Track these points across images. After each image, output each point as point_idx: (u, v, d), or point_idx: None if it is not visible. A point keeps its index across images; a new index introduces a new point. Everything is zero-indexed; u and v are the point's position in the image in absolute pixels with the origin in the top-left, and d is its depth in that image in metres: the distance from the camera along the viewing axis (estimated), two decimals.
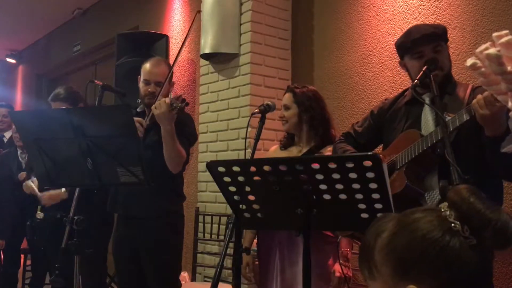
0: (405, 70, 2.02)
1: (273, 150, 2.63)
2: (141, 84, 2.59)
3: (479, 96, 1.57)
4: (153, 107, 2.32)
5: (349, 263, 2.39)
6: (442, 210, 0.77)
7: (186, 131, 2.53)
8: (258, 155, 2.76)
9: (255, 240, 2.59)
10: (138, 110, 2.62)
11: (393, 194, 1.73)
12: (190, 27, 2.82)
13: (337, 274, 2.25)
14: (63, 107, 2.97)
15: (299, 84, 2.59)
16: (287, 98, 2.47)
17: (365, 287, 2.93)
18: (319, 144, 2.40)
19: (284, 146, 2.51)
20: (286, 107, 2.45)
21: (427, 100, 1.87)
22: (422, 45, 1.87)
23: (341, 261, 2.26)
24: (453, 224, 0.75)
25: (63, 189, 3.03)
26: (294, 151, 2.46)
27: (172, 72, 2.64)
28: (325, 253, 2.28)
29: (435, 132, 1.72)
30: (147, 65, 2.60)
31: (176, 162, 2.43)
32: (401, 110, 1.99)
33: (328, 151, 2.35)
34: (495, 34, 1.15)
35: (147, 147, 2.48)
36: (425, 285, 0.73)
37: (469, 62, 1.25)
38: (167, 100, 2.28)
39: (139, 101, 2.62)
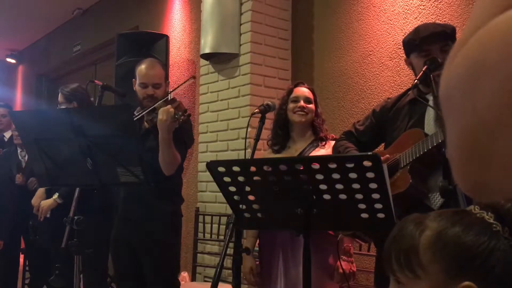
0: (410, 68, 2.01)
1: (266, 153, 2.65)
2: (137, 88, 2.59)
3: None
4: (160, 110, 2.32)
5: (352, 258, 2.39)
6: (476, 213, 0.80)
7: (184, 134, 2.54)
8: (258, 155, 2.77)
9: (257, 241, 2.59)
10: (135, 113, 2.61)
11: (397, 193, 1.74)
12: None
13: (341, 270, 2.26)
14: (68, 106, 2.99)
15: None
16: (309, 93, 2.51)
17: (365, 287, 2.93)
18: (316, 141, 2.44)
19: (277, 151, 2.51)
20: (309, 100, 2.48)
21: (430, 100, 1.86)
22: (430, 43, 1.86)
23: (344, 257, 2.27)
24: (494, 225, 0.78)
25: (56, 196, 3.03)
26: (289, 153, 2.48)
27: (166, 72, 2.67)
28: (326, 251, 2.29)
29: (440, 132, 1.71)
30: (142, 68, 2.59)
31: (170, 167, 2.45)
32: (404, 109, 1.99)
33: (318, 151, 2.39)
34: None
35: (147, 151, 2.48)
36: (480, 282, 0.76)
37: None
38: (172, 109, 2.29)
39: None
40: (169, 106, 2.34)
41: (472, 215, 0.80)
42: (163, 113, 2.28)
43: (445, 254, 0.79)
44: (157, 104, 2.46)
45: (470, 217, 0.80)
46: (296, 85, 2.56)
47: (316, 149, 2.40)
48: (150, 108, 2.48)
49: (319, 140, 2.44)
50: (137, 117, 2.46)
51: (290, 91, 2.52)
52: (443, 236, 0.80)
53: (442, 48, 1.86)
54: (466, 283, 0.76)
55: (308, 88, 2.53)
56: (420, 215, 0.85)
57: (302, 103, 2.44)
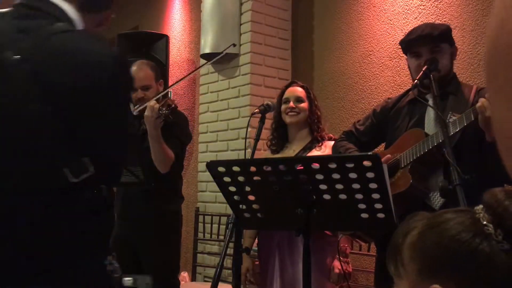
0: (408, 67, 2.03)
1: (266, 154, 2.65)
2: None
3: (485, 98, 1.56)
4: (148, 105, 2.33)
5: (348, 258, 2.40)
6: (476, 212, 0.76)
7: (177, 131, 2.53)
8: (258, 155, 2.77)
9: (256, 240, 2.59)
10: (134, 113, 2.61)
11: (397, 193, 1.74)
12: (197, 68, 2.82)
13: (336, 270, 2.26)
14: None
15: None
16: (301, 91, 2.49)
17: (365, 287, 2.93)
18: (312, 143, 2.43)
19: (275, 151, 2.51)
20: (300, 100, 2.46)
21: (430, 100, 1.86)
22: (418, 45, 1.89)
23: (340, 257, 2.27)
24: (485, 227, 0.73)
25: None
26: (286, 153, 2.47)
27: (158, 72, 2.65)
28: (324, 251, 2.29)
29: (440, 132, 1.72)
30: None
31: (163, 164, 2.44)
32: (404, 109, 1.99)
33: (315, 151, 2.38)
34: None
35: (147, 150, 2.48)
36: (451, 286, 0.72)
37: None
38: (156, 105, 2.29)
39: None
40: (154, 101, 2.34)
41: (470, 214, 0.76)
42: (148, 109, 2.30)
43: (422, 254, 0.76)
44: (148, 102, 2.46)
45: (465, 217, 0.76)
46: (288, 86, 2.56)
47: (312, 151, 2.40)
48: (143, 106, 2.46)
49: (315, 140, 2.44)
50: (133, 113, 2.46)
51: (283, 92, 2.53)
52: (423, 236, 0.77)
53: (432, 49, 1.87)
54: (434, 286, 0.72)
55: (301, 87, 2.52)
56: (423, 214, 0.83)
57: (291, 103, 2.45)
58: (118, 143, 1.18)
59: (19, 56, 1.02)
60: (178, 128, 2.53)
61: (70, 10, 1.15)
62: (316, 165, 1.41)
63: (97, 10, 1.25)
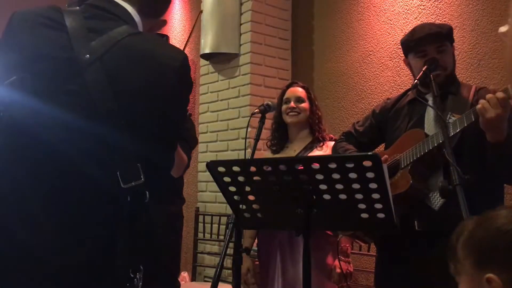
0: (409, 68, 2.02)
1: (266, 154, 2.65)
2: None
3: (488, 96, 1.56)
4: None
5: (349, 258, 2.40)
6: None
7: (186, 134, 2.54)
8: (258, 155, 2.77)
9: (256, 240, 2.59)
10: None
11: (397, 194, 1.74)
12: (194, 26, 2.84)
13: (338, 270, 2.26)
14: None
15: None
16: (302, 92, 2.50)
17: (365, 287, 2.93)
18: (313, 143, 2.43)
19: (276, 151, 2.52)
20: (301, 100, 2.48)
21: (430, 100, 1.86)
22: (426, 44, 1.86)
23: (341, 257, 2.27)
24: None
25: None
26: (287, 153, 2.48)
27: None
28: (324, 251, 2.29)
29: (440, 132, 1.71)
30: None
31: (178, 168, 2.43)
32: (403, 109, 1.98)
33: (316, 151, 2.39)
34: None
35: None
36: (504, 274, 0.79)
37: (503, 29, 1.25)
38: None
39: None
40: None
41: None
42: None
43: (474, 249, 0.85)
44: None
45: (506, 212, 0.85)
46: (288, 86, 2.57)
47: (313, 150, 2.40)
48: None
49: (316, 140, 2.44)
50: None
51: (283, 93, 2.54)
52: (473, 234, 0.86)
53: (438, 49, 1.86)
54: (489, 275, 0.80)
55: (302, 87, 2.53)
56: (472, 218, 0.92)
57: (292, 103, 2.46)
58: (171, 149, 1.15)
59: (90, 55, 1.03)
60: (187, 132, 2.55)
61: (133, 12, 1.16)
62: (316, 165, 1.41)
63: (154, 15, 1.26)
